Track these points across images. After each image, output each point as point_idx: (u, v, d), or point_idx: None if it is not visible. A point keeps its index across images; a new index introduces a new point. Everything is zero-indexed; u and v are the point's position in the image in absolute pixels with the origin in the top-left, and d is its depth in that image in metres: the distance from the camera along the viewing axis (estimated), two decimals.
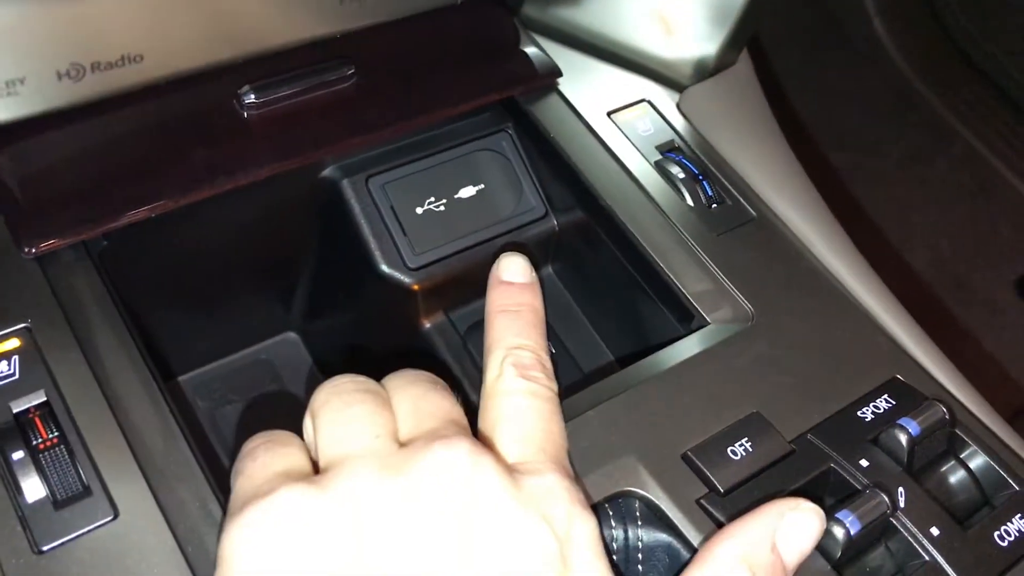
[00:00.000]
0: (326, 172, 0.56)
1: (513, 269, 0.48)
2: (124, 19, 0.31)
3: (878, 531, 0.45)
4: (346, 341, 0.65)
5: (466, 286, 0.60)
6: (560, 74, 0.61)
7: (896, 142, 1.49)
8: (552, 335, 0.60)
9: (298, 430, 0.42)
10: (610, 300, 0.60)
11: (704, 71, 0.63)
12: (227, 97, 0.52)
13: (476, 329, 0.59)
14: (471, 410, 0.57)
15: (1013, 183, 1.34)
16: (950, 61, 1.34)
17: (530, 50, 0.61)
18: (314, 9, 0.38)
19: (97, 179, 0.48)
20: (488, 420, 0.43)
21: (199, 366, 0.65)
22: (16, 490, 0.41)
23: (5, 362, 0.44)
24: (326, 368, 0.67)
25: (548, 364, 0.45)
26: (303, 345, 0.68)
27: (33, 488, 0.41)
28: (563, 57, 0.63)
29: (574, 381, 0.58)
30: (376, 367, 0.63)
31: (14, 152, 0.47)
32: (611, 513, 0.45)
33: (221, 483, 0.44)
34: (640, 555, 0.45)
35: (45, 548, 0.40)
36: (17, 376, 0.44)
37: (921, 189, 1.48)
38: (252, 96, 0.52)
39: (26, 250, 0.46)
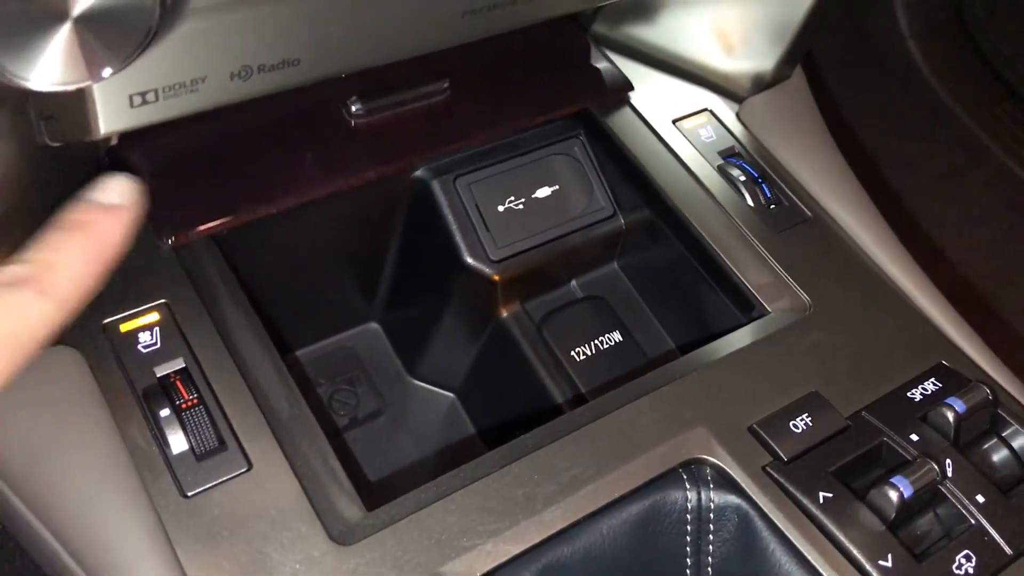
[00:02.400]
0: (418, 173, 0.62)
1: (104, 186, 0.39)
2: (288, 29, 0.37)
3: (927, 497, 0.50)
4: (425, 330, 0.70)
5: (541, 278, 0.65)
6: (631, 88, 0.66)
7: (930, 160, 1.53)
8: (619, 325, 0.65)
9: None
10: (674, 292, 0.65)
11: (761, 84, 0.68)
12: (336, 106, 0.58)
13: (550, 317, 0.64)
14: (547, 397, 0.62)
15: None
16: (983, 80, 1.38)
17: (603, 65, 0.66)
18: (442, 23, 0.43)
19: (224, 178, 0.55)
20: None
21: (292, 351, 0.70)
22: (164, 443, 0.46)
23: (148, 333, 0.50)
24: (405, 356, 0.73)
25: (59, 285, 0.36)
26: (384, 335, 0.73)
27: (178, 442, 0.47)
28: (629, 69, 0.68)
29: (639, 366, 0.63)
30: (456, 354, 0.68)
31: (153, 152, 0.53)
32: (685, 477, 0.50)
33: (333, 443, 0.49)
34: (712, 515, 0.50)
35: (190, 494, 0.45)
36: (159, 345, 0.49)
37: (954, 207, 1.52)
38: (359, 105, 0.58)
39: (165, 241, 0.52)
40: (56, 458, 0.45)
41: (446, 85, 0.60)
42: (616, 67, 0.66)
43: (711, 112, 0.67)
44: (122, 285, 0.51)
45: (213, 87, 0.38)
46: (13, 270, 0.35)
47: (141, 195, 0.39)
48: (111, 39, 0.31)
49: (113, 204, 0.39)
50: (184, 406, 0.47)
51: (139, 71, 0.36)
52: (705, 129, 0.66)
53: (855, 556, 0.47)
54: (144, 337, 0.50)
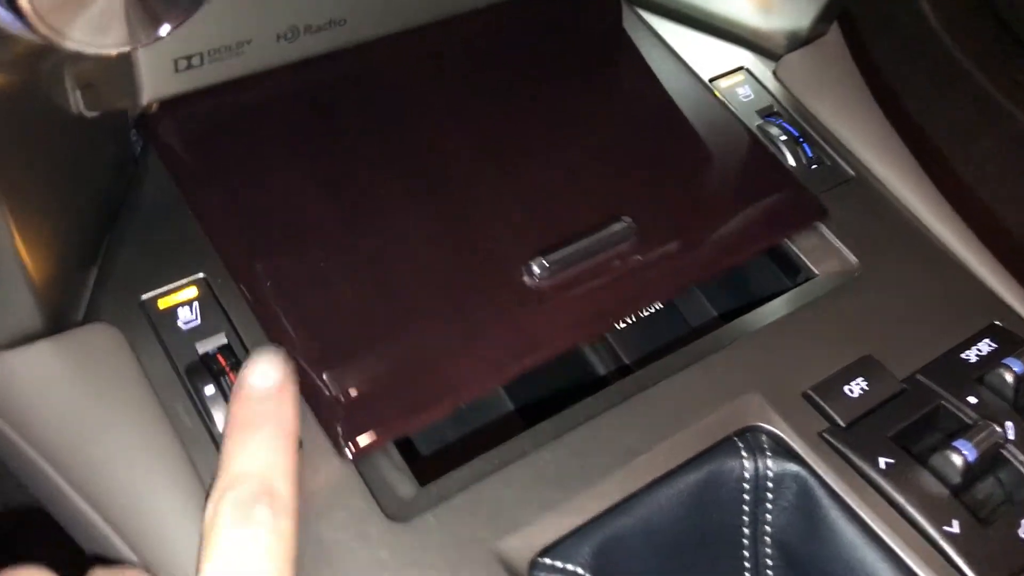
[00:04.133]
0: None
1: (260, 371, 0.42)
2: None
3: (989, 460, 0.49)
4: None
5: None
6: (826, 213, 0.59)
7: (943, 119, 1.52)
8: None
9: None
10: None
11: (797, 41, 0.66)
12: (515, 268, 0.51)
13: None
14: (589, 369, 0.61)
15: None
16: (997, 38, 1.36)
17: (793, 185, 0.60)
18: None
19: (400, 368, 0.47)
20: (201, 563, 0.38)
21: None
22: (210, 420, 0.45)
23: (187, 309, 0.48)
24: None
25: (283, 488, 0.39)
26: None
27: (223, 418, 0.45)
28: (663, 28, 0.66)
29: (683, 334, 0.62)
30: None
31: (307, 317, 0.48)
32: (741, 445, 0.49)
33: None
34: (769, 483, 0.49)
35: None
36: (199, 322, 0.48)
37: (968, 167, 1.50)
38: (543, 266, 0.51)
39: (344, 453, 0.45)
40: (103, 438, 0.43)
41: (631, 223, 0.54)
42: (807, 189, 0.60)
43: (747, 71, 0.65)
44: (156, 260, 0.49)
45: (259, 49, 0.36)
46: (248, 490, 0.38)
47: (291, 364, 0.42)
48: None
49: (277, 384, 0.42)
50: (228, 383, 0.46)
51: (184, 34, 0.34)
52: (743, 88, 0.64)
53: (920, 522, 0.46)
54: (184, 313, 0.48)
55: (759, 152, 0.61)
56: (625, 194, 0.56)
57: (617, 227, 0.53)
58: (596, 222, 0.54)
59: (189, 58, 0.34)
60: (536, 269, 0.51)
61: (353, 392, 0.46)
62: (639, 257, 0.53)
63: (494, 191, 0.54)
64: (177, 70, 0.34)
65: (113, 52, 0.29)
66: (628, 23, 0.65)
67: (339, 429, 0.45)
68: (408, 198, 0.53)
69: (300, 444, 0.42)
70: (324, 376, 0.46)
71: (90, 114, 0.39)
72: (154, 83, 0.35)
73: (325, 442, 0.45)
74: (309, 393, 0.46)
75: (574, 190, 0.55)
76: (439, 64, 0.57)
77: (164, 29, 0.29)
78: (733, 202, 0.58)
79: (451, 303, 0.49)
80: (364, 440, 0.45)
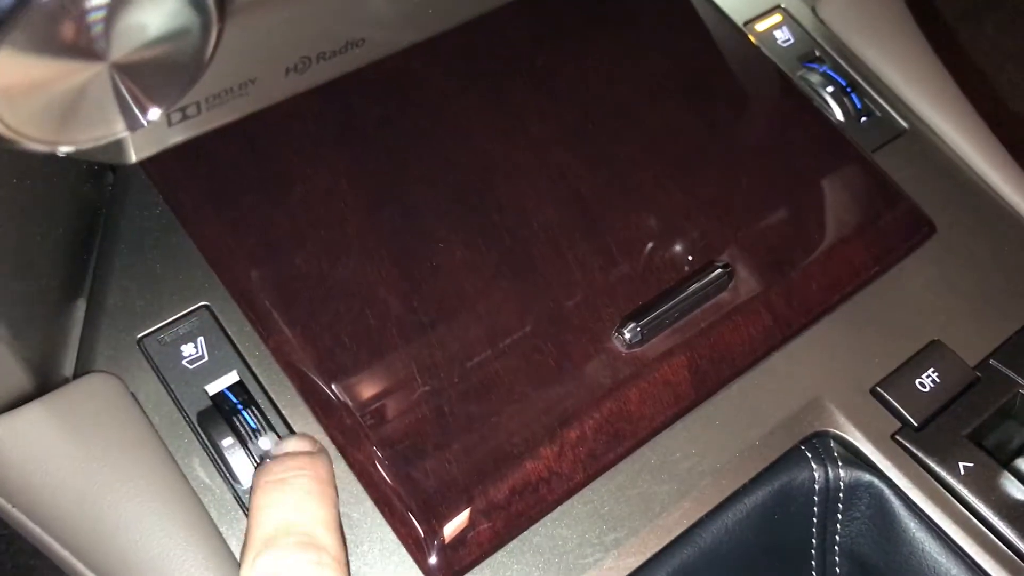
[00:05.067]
0: None
1: (287, 444, 0.40)
2: (351, 10, 0.29)
3: None
4: None
5: None
6: (935, 229, 0.52)
7: (947, 2, 1.45)
8: None
9: None
10: None
11: None
12: (603, 335, 0.45)
13: None
14: None
15: None
16: None
17: (899, 203, 0.52)
18: None
19: (485, 468, 0.41)
20: None
21: None
22: (231, 477, 0.40)
23: (192, 344, 0.43)
24: None
25: (328, 540, 0.36)
26: None
27: (245, 472, 0.41)
28: None
29: None
30: None
31: (383, 405, 0.42)
32: (809, 455, 0.45)
33: None
34: (841, 494, 0.45)
35: None
36: (206, 358, 0.43)
37: (970, 50, 1.44)
38: (635, 331, 0.45)
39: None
40: (113, 510, 0.39)
41: (726, 268, 0.47)
42: (913, 201, 0.52)
43: (785, 10, 0.59)
44: (151, 291, 0.43)
45: (265, 87, 0.30)
46: (288, 548, 0.35)
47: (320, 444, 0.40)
48: (155, 80, 0.23)
49: (309, 449, 0.39)
50: (246, 429, 0.41)
51: None
52: (781, 31, 0.58)
53: (1006, 534, 0.43)
54: (188, 350, 0.43)
55: (850, 156, 0.53)
56: (704, 221, 0.49)
57: (713, 275, 0.46)
58: (681, 264, 0.47)
59: (184, 109, 0.28)
60: (628, 335, 0.45)
61: (437, 516, 0.40)
62: (737, 307, 0.47)
63: (553, 223, 0.47)
64: (171, 124, 0.28)
65: (105, 142, 0.23)
66: None
67: (429, 562, 0.40)
68: (449, 223, 0.46)
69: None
70: (392, 477, 0.41)
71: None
72: (144, 141, 0.29)
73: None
74: (369, 484, 0.41)
75: (644, 218, 0.48)
76: (464, 67, 0.49)
77: (155, 113, 0.23)
78: (829, 228, 0.50)
79: (532, 380, 0.43)
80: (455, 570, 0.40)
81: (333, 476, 0.39)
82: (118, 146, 0.29)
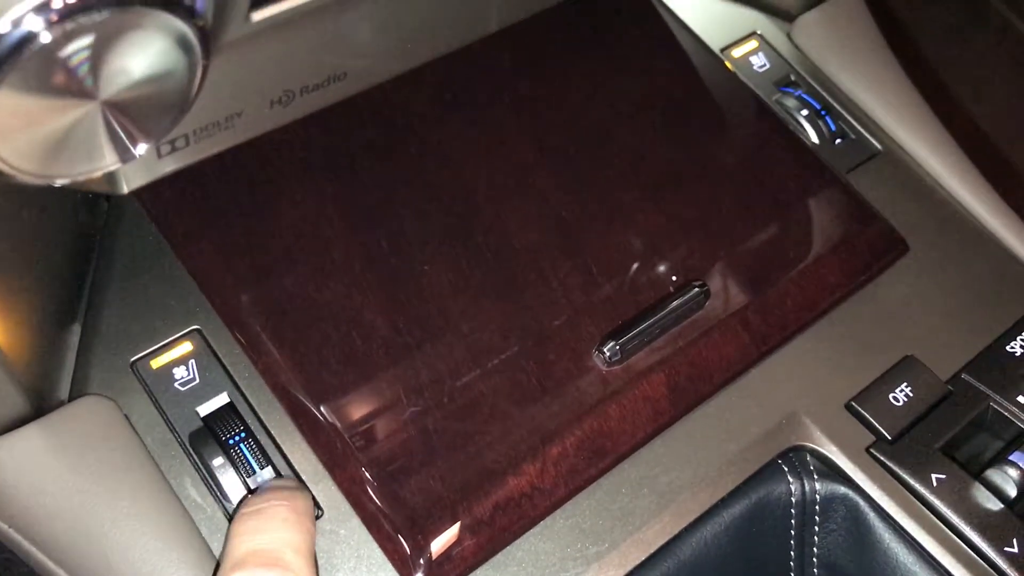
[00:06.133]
0: None
1: (272, 484, 0.41)
2: (338, 44, 0.30)
3: None
4: None
5: None
6: (908, 247, 0.53)
7: (933, 20, 1.46)
8: None
9: None
10: None
11: None
12: (585, 354, 0.46)
13: None
14: None
15: None
16: None
17: (872, 223, 0.54)
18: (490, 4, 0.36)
19: (471, 484, 0.42)
20: None
21: None
22: (222, 496, 0.42)
23: (183, 367, 0.44)
24: None
25: (295, 561, 0.37)
26: None
27: (236, 491, 0.42)
28: None
29: None
30: None
31: (371, 425, 0.43)
32: (786, 469, 0.47)
33: None
34: (817, 507, 0.47)
35: None
36: (197, 380, 0.44)
37: (958, 65, 1.46)
38: (615, 350, 0.46)
39: None
40: (110, 529, 0.40)
41: (701, 288, 0.48)
42: (886, 220, 0.54)
43: (760, 36, 0.60)
44: (146, 315, 0.45)
45: (251, 120, 0.32)
46: (255, 565, 0.36)
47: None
48: (144, 116, 0.24)
49: (289, 486, 0.40)
50: (237, 451, 0.42)
51: None
52: (757, 56, 0.60)
53: (977, 544, 0.44)
54: (180, 372, 0.44)
55: (824, 177, 0.54)
56: (682, 241, 0.50)
57: (690, 294, 0.48)
58: (660, 283, 0.48)
59: (173, 141, 0.30)
60: (607, 354, 0.46)
61: (423, 533, 0.41)
62: (714, 325, 0.48)
63: (536, 246, 0.49)
64: (160, 156, 0.30)
65: (97, 174, 0.25)
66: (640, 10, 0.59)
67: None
68: (434, 247, 0.48)
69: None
70: (379, 495, 0.42)
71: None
72: (135, 172, 0.30)
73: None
74: (356, 502, 0.42)
75: (624, 239, 0.50)
76: (448, 94, 0.51)
77: (144, 147, 0.25)
78: (804, 248, 0.52)
79: (514, 399, 0.44)
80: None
81: (312, 511, 0.40)
82: (111, 177, 0.30)
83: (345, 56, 0.32)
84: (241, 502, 0.41)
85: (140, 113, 0.24)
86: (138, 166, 0.30)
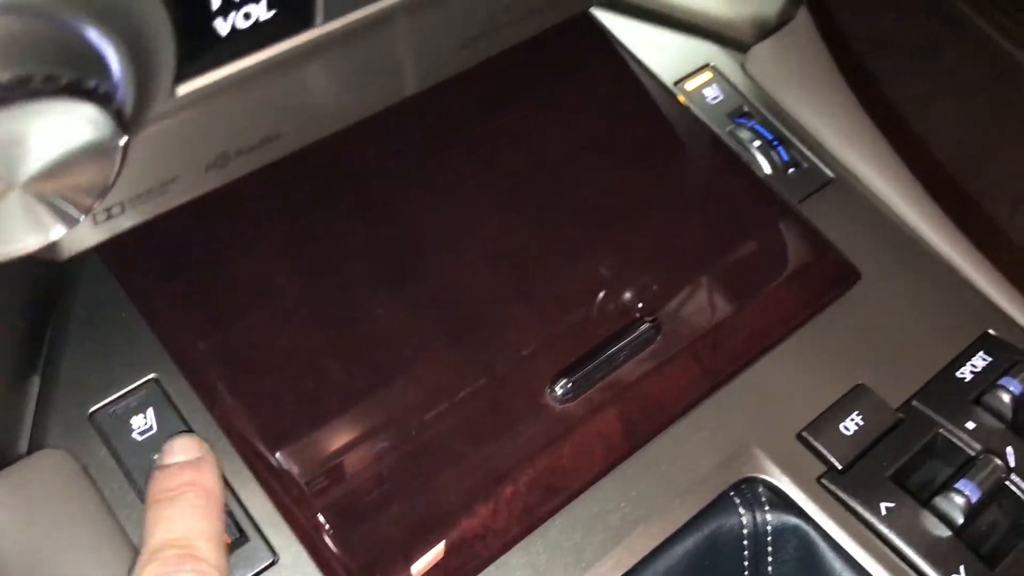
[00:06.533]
0: None
1: (177, 448, 0.42)
2: (270, 107, 0.31)
3: (992, 495, 0.47)
4: None
5: None
6: (859, 276, 0.54)
7: (907, 35, 1.48)
8: None
9: None
10: None
11: (766, 28, 0.62)
12: (537, 392, 0.47)
13: None
14: None
15: None
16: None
17: (822, 252, 0.54)
18: (437, 61, 0.37)
19: (421, 530, 0.43)
20: None
21: None
22: None
23: (141, 416, 0.45)
24: None
25: (208, 551, 0.38)
26: None
27: None
28: (619, 26, 0.62)
29: None
30: None
31: (315, 454, 0.44)
32: (738, 501, 0.47)
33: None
34: (769, 538, 0.47)
35: None
36: (155, 429, 0.45)
37: (935, 81, 1.47)
38: (567, 387, 0.47)
39: None
40: None
41: (653, 328, 0.49)
42: (837, 250, 0.54)
43: (714, 68, 0.61)
44: (104, 365, 0.46)
45: (187, 184, 0.32)
46: (168, 559, 0.38)
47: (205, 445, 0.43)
48: (67, 195, 0.25)
49: (195, 458, 0.42)
50: None
51: None
52: (710, 88, 0.60)
53: (926, 571, 0.45)
54: (137, 422, 0.45)
55: (775, 209, 0.55)
56: (634, 277, 0.51)
57: (640, 330, 0.49)
58: (612, 320, 0.49)
59: (108, 209, 0.31)
60: (559, 392, 0.47)
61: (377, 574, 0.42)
62: (665, 359, 0.49)
63: (488, 286, 0.50)
64: (96, 223, 0.31)
65: (29, 251, 0.26)
66: (594, 44, 0.60)
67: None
68: (386, 291, 0.49)
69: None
70: (334, 541, 0.42)
71: None
72: (72, 240, 0.31)
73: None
74: (311, 548, 0.43)
75: (576, 277, 0.50)
76: (399, 139, 0.52)
77: (73, 222, 0.26)
78: (755, 280, 0.52)
79: (468, 439, 0.45)
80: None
81: (220, 482, 0.42)
82: (50, 247, 0.31)
83: (277, 119, 0.32)
84: (151, 476, 0.42)
85: (62, 194, 0.25)
86: (75, 235, 0.31)
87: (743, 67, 0.62)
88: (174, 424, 0.45)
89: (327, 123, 0.35)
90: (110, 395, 0.45)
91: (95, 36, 0.24)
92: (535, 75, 0.57)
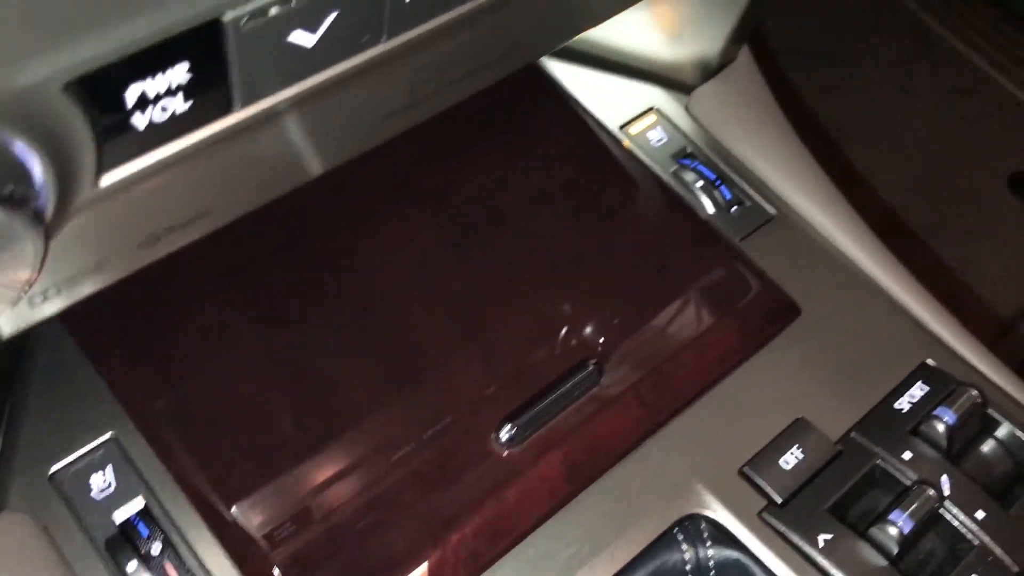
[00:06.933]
0: None
1: None
2: (198, 187, 0.33)
3: (927, 523, 0.49)
4: None
5: None
6: (799, 311, 0.56)
7: (880, 51, 1.50)
8: None
9: None
10: None
11: (709, 69, 0.64)
12: (484, 438, 0.49)
13: None
14: None
15: (999, 80, 1.35)
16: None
17: (760, 288, 0.56)
18: (364, 132, 0.38)
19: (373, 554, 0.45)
20: None
21: None
22: None
23: (100, 475, 0.46)
24: None
25: None
26: None
27: None
28: (565, 73, 0.64)
29: None
30: None
31: (272, 504, 0.46)
32: (680, 537, 0.49)
33: None
34: (712, 573, 0.49)
35: None
36: (114, 487, 0.46)
37: (907, 94, 1.49)
38: (511, 431, 0.49)
39: None
40: None
41: (597, 371, 0.51)
42: (776, 286, 0.56)
43: (658, 111, 0.63)
44: (64, 426, 0.47)
45: (119, 263, 0.34)
46: None
47: None
48: None
49: None
50: (151, 553, 0.45)
51: None
52: (655, 131, 0.62)
53: None
54: (96, 481, 0.46)
55: (716, 249, 0.57)
56: (578, 321, 0.53)
57: (583, 373, 0.50)
58: (557, 363, 0.51)
59: (44, 292, 0.32)
60: (504, 436, 0.49)
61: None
62: (609, 401, 0.50)
63: (437, 334, 0.52)
64: (33, 305, 0.33)
65: None
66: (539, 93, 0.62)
67: None
68: (337, 344, 0.51)
69: None
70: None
71: None
72: (10, 320, 0.33)
73: None
74: None
75: (522, 322, 0.52)
76: (349, 191, 0.54)
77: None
78: (696, 319, 0.54)
79: (417, 487, 0.47)
80: None
81: None
82: None
83: (204, 198, 0.34)
84: None
85: None
86: (15, 314, 0.32)
87: (687, 109, 0.63)
88: (133, 482, 0.47)
89: (255, 197, 0.37)
90: (70, 455, 0.47)
91: (18, 148, 0.26)
92: (482, 122, 0.59)
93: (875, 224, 0.60)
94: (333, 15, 0.31)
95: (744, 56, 0.64)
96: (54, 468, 0.46)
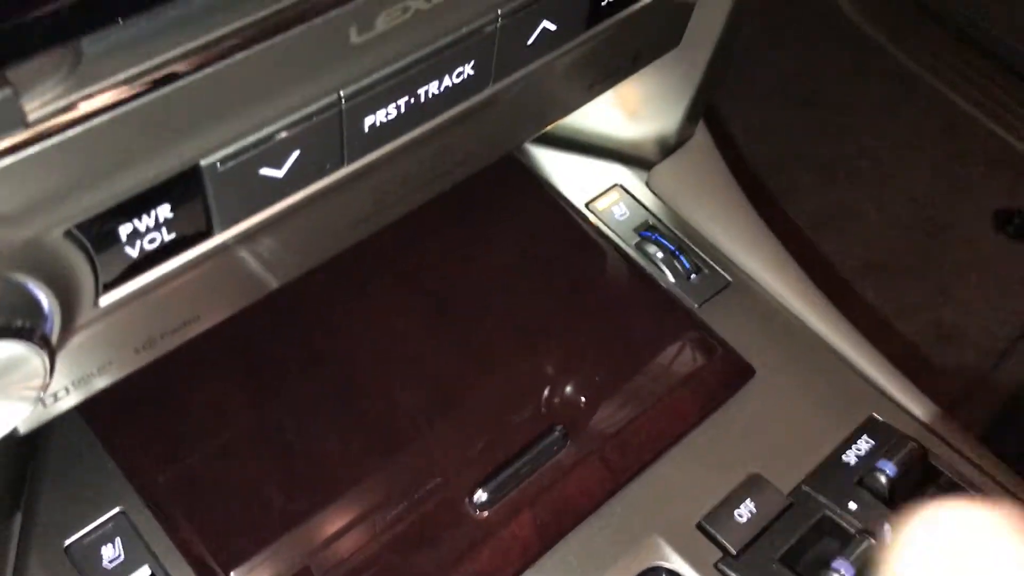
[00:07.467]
0: None
1: None
2: (185, 299, 0.38)
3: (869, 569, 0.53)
4: None
5: None
6: (753, 372, 0.60)
7: (862, 96, 1.55)
8: None
9: None
10: None
11: (668, 146, 0.69)
12: (458, 502, 0.53)
13: None
14: None
15: (979, 119, 1.40)
16: (904, 9, 1.39)
17: (719, 353, 0.61)
18: (336, 236, 0.43)
19: None
20: None
21: None
22: None
23: (110, 546, 0.51)
24: None
25: None
26: None
27: None
28: (533, 154, 0.69)
29: None
30: None
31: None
32: None
33: None
34: None
35: None
36: (123, 558, 0.51)
37: (890, 137, 1.54)
38: (484, 495, 0.53)
39: None
40: None
41: (564, 435, 0.56)
42: (732, 350, 0.61)
43: (621, 187, 0.68)
44: (79, 501, 0.52)
45: (121, 364, 0.39)
46: None
47: None
48: (5, 400, 0.32)
49: None
50: None
51: None
52: (618, 207, 0.67)
53: None
54: (107, 552, 0.51)
55: (675, 316, 0.62)
56: (546, 390, 0.58)
57: (551, 438, 0.55)
58: (526, 429, 0.55)
59: (55, 394, 0.37)
60: (477, 500, 0.53)
61: None
62: (575, 463, 0.55)
63: (415, 406, 0.56)
64: (46, 405, 0.37)
65: None
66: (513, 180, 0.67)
67: None
68: (329, 422, 0.56)
69: None
70: None
71: None
72: (27, 419, 0.38)
73: None
74: None
75: (494, 393, 0.57)
76: (331, 273, 0.59)
77: (17, 420, 0.33)
78: (656, 383, 0.59)
79: (398, 550, 0.51)
80: None
81: None
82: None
83: (193, 306, 0.39)
84: None
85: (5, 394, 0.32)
86: (31, 414, 0.37)
87: (647, 184, 0.68)
88: (140, 552, 0.51)
89: (237, 302, 0.42)
90: (83, 528, 0.52)
91: (29, 287, 0.32)
92: (454, 204, 0.64)
93: (857, 263, 0.64)
94: (296, 153, 0.36)
95: (701, 133, 0.70)
96: (69, 540, 0.51)
